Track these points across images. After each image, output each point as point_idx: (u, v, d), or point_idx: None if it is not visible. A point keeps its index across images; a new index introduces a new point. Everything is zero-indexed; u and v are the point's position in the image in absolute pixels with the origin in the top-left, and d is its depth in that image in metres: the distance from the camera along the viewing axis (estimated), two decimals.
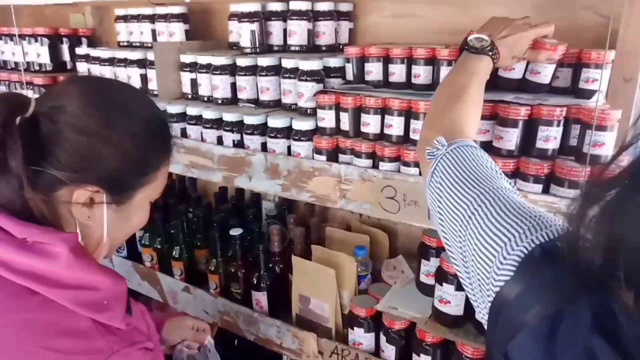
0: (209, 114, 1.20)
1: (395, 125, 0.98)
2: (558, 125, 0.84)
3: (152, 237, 1.48)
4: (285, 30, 1.24)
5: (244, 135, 1.15)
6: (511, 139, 0.86)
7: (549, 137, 0.84)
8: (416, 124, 0.95)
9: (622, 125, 0.81)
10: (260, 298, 1.29)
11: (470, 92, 0.76)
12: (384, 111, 0.99)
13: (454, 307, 1.00)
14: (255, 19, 1.23)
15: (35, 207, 0.62)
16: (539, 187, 0.84)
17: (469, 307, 1.00)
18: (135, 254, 1.57)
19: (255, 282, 1.28)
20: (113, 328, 0.66)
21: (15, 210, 0.62)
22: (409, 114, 0.97)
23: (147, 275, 1.51)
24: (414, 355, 1.06)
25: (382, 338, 1.10)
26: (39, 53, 1.69)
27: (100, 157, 0.66)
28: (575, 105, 0.85)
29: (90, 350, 0.62)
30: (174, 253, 1.44)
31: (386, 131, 1.00)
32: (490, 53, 0.82)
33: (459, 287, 0.98)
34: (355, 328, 1.12)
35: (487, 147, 0.91)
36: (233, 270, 1.33)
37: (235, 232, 1.30)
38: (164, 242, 1.47)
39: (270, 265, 1.30)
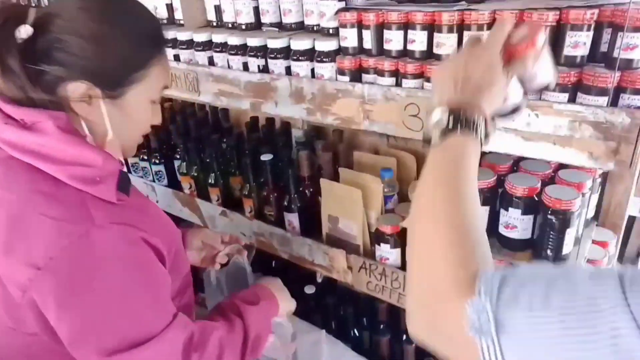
0: (233, 40, 1.21)
1: (418, 40, 0.96)
2: (588, 30, 0.80)
3: (189, 166, 1.56)
4: None
5: (269, 60, 1.16)
6: None
7: (578, 43, 0.81)
8: (439, 38, 0.93)
9: None
10: (292, 219, 1.35)
11: (467, 209, 0.53)
12: (406, 26, 0.97)
13: None
14: None
15: (41, 104, 0.71)
16: (565, 97, 0.82)
17: (492, 221, 1.02)
18: (175, 183, 1.67)
19: (286, 205, 1.34)
20: (107, 205, 0.74)
21: (23, 103, 0.72)
22: (432, 28, 0.94)
23: (186, 202, 1.61)
24: None
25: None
26: None
27: (87, 53, 0.72)
28: (609, 6, 0.80)
29: (79, 219, 0.71)
30: (210, 180, 1.51)
31: (409, 47, 0.98)
32: (464, 132, 0.57)
33: (483, 203, 1.00)
34: (381, 244, 1.17)
35: None
36: (266, 194, 1.39)
37: (266, 157, 1.34)
38: (200, 171, 1.55)
39: (301, 189, 1.36)
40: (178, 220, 1.68)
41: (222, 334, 0.88)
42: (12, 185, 0.72)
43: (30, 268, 0.68)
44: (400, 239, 1.16)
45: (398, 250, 1.17)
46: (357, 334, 1.46)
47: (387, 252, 1.17)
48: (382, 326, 1.37)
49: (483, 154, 1.09)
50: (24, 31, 0.70)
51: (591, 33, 0.81)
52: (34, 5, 1.67)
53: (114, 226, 0.73)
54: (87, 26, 0.73)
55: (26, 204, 0.71)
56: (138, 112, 0.81)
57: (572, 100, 0.82)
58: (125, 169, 0.86)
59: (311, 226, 1.36)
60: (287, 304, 1.07)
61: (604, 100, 0.78)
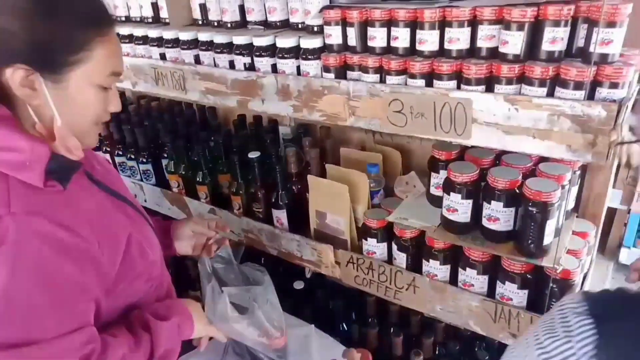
0: (219, 38, 1.21)
1: (401, 37, 0.98)
2: (565, 26, 0.82)
3: (177, 164, 1.57)
4: None
5: (255, 58, 1.17)
6: (517, 42, 0.85)
7: (556, 39, 0.83)
8: (422, 35, 0.95)
9: (632, 20, 0.79)
10: (280, 216, 1.36)
11: None
12: (390, 23, 0.99)
13: (461, 215, 1.04)
14: None
15: None
16: (543, 91, 0.84)
17: (475, 214, 1.04)
18: (163, 182, 1.67)
19: (274, 201, 1.35)
20: (32, 193, 0.72)
21: None
22: (414, 25, 0.96)
23: (175, 200, 1.61)
24: (423, 261, 1.12)
25: (394, 247, 1.17)
26: None
27: (22, 34, 0.70)
28: (585, 2, 0.82)
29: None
30: (198, 178, 1.52)
31: (393, 44, 0.99)
32: None
33: (466, 196, 1.02)
34: (368, 239, 1.19)
35: (494, 53, 0.90)
36: (253, 191, 1.40)
37: (254, 154, 1.35)
38: (188, 169, 1.55)
39: (288, 185, 1.37)
40: (166, 219, 1.68)
41: (125, 352, 0.82)
42: None
43: None
44: (386, 233, 1.18)
45: (385, 244, 1.19)
46: (346, 328, 1.48)
47: (374, 246, 1.19)
48: (370, 319, 1.39)
49: (466, 148, 1.13)
50: None
51: (568, 28, 0.83)
52: None
53: (30, 217, 0.71)
54: (20, 7, 0.70)
55: None
56: (83, 96, 0.77)
57: (550, 94, 0.84)
58: (80, 161, 0.81)
59: (299, 222, 1.37)
60: (203, 327, 0.99)
61: (581, 94, 0.80)
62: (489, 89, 0.90)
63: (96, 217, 0.81)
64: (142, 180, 1.71)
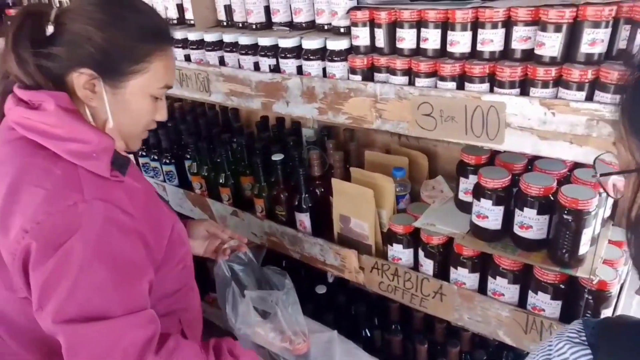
0: (244, 39, 1.21)
1: (431, 39, 0.95)
2: (606, 27, 0.79)
3: (199, 165, 1.57)
4: None
5: (280, 60, 1.15)
6: (554, 44, 0.82)
7: (596, 41, 0.79)
8: (453, 36, 0.92)
9: None
10: (303, 219, 1.35)
11: None
12: (419, 24, 0.96)
13: (492, 222, 1.01)
14: None
15: (47, 87, 0.78)
16: (582, 95, 0.80)
17: (506, 221, 1.01)
18: (185, 183, 1.67)
19: (297, 204, 1.34)
20: (99, 182, 0.78)
21: (32, 89, 0.79)
22: (445, 26, 0.93)
23: (197, 202, 1.61)
24: (451, 268, 1.09)
25: (421, 253, 1.14)
26: None
27: (92, 42, 0.78)
28: (627, 2, 0.78)
29: (70, 190, 0.75)
30: (220, 180, 1.52)
31: (422, 45, 0.97)
32: None
33: (497, 202, 0.99)
34: (394, 244, 1.17)
35: (529, 55, 0.87)
36: (276, 194, 1.39)
37: (277, 157, 1.34)
38: (211, 170, 1.55)
39: (312, 189, 1.35)
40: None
41: (189, 355, 0.85)
42: (14, 160, 0.78)
43: (20, 232, 0.72)
44: (413, 239, 1.15)
45: (411, 251, 1.16)
46: (368, 334, 1.45)
47: (400, 252, 1.16)
48: (394, 326, 1.36)
49: (496, 152, 1.09)
50: (50, 29, 0.78)
51: (609, 30, 0.79)
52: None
53: (100, 202, 0.76)
54: (93, 17, 0.79)
55: (23, 176, 0.76)
56: (137, 104, 0.84)
57: (589, 98, 0.81)
58: (127, 154, 0.90)
59: (322, 226, 1.35)
60: None
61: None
62: (524, 93, 0.86)
63: (148, 206, 0.87)
64: (165, 181, 1.72)
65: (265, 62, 1.18)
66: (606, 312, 0.95)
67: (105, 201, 0.76)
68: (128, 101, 0.83)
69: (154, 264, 0.85)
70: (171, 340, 0.82)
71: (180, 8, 1.42)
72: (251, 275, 1.29)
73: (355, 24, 1.03)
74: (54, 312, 0.74)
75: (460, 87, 0.92)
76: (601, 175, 0.55)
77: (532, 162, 1.05)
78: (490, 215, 1.00)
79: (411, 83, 0.98)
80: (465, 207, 1.11)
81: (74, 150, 0.78)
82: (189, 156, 1.63)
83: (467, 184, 1.10)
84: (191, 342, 0.90)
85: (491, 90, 0.89)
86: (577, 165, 1.04)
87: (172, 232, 0.91)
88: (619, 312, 1.01)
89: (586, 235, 0.91)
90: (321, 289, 1.50)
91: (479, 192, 1.01)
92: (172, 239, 0.91)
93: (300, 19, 1.18)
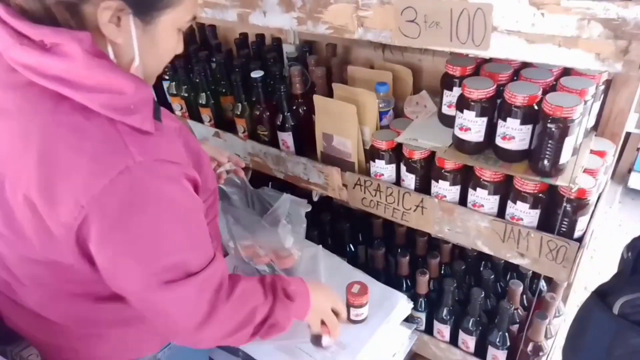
0: None
1: None
2: None
3: (178, 86, 1.51)
4: None
5: None
6: None
7: None
8: None
9: None
10: (286, 138, 1.33)
11: None
12: None
13: (474, 134, 1.00)
14: None
15: (62, 18, 0.63)
16: None
17: (489, 133, 1.00)
18: (165, 105, 1.61)
19: (280, 124, 1.31)
20: (143, 138, 0.68)
21: (40, 20, 0.63)
22: None
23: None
24: (432, 182, 1.10)
25: (403, 168, 1.14)
26: None
27: None
28: None
29: (116, 153, 0.65)
30: (200, 100, 1.47)
31: None
32: None
33: (481, 113, 0.97)
34: (376, 160, 1.16)
35: None
36: (258, 113, 1.35)
37: (256, 74, 1.29)
38: (190, 91, 1.50)
39: (294, 107, 1.32)
40: None
41: (253, 296, 0.87)
42: (36, 115, 0.65)
43: (73, 206, 0.64)
44: (395, 154, 1.14)
45: (393, 166, 1.16)
46: (353, 249, 1.50)
47: (382, 168, 1.16)
48: (377, 241, 1.40)
49: (482, 63, 1.06)
50: None
51: None
52: None
53: (155, 163, 0.68)
54: None
55: (55, 138, 0.64)
56: (165, 39, 0.74)
57: None
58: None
59: (305, 145, 1.34)
60: (316, 314, 0.99)
61: None
62: None
63: (187, 144, 0.82)
64: None
65: None
66: (582, 220, 0.98)
67: (156, 159, 0.68)
68: (157, 37, 0.72)
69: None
70: (239, 284, 0.84)
71: None
72: (243, 199, 1.29)
73: None
74: (135, 282, 0.73)
75: None
76: None
77: (518, 72, 1.02)
78: (473, 127, 0.99)
79: None
80: (449, 121, 1.09)
81: (109, 102, 0.65)
82: (167, 77, 1.56)
83: (451, 96, 1.07)
84: (250, 279, 0.89)
85: None
86: (564, 73, 1.01)
87: (207, 167, 0.90)
88: (594, 222, 1.03)
89: (568, 144, 0.90)
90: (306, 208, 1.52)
91: (462, 103, 0.98)
92: (207, 172, 0.89)
93: None
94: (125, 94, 0.67)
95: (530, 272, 1.28)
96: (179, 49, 0.80)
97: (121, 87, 0.66)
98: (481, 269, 1.35)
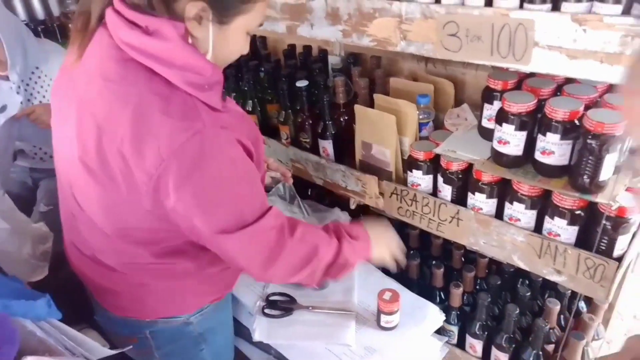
0: None
1: None
2: None
3: (227, 92, 1.58)
4: None
5: None
6: None
7: None
8: None
9: None
10: (327, 146, 1.37)
11: None
12: None
13: (513, 147, 1.00)
14: None
15: (159, 9, 0.78)
16: (618, 9, 0.76)
17: (528, 147, 1.00)
18: None
19: (321, 131, 1.36)
20: (211, 111, 0.82)
21: (144, 12, 0.79)
22: None
23: None
24: (469, 194, 1.10)
25: (440, 179, 1.15)
26: None
27: None
28: None
29: (193, 120, 0.79)
30: (247, 107, 1.54)
31: None
32: None
33: (520, 127, 0.97)
34: (414, 170, 1.18)
35: None
36: (301, 121, 1.41)
37: (301, 83, 1.34)
38: (237, 98, 1.57)
39: (336, 116, 1.36)
40: None
41: (317, 236, 0.99)
42: (134, 84, 0.80)
43: (156, 158, 0.77)
44: (432, 165, 1.16)
45: (430, 177, 1.17)
46: None
47: (419, 178, 1.18)
48: (412, 251, 1.41)
49: (525, 78, 1.06)
50: None
51: None
52: None
53: (219, 129, 0.81)
54: None
55: (148, 103, 0.79)
56: (236, 40, 0.87)
57: (626, 12, 0.76)
58: None
59: (345, 153, 1.37)
60: (380, 249, 1.08)
61: None
62: (556, 8, 0.82)
63: (247, 124, 0.96)
64: None
65: None
66: (623, 239, 0.95)
67: (224, 128, 0.82)
68: (230, 36, 0.85)
69: None
70: (300, 225, 0.97)
71: None
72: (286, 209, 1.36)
73: None
74: (208, 225, 0.85)
75: (489, 4, 0.88)
76: None
77: (561, 88, 1.02)
78: (512, 140, 0.99)
79: (437, 1, 0.95)
80: (488, 135, 1.10)
81: (191, 80, 0.80)
82: None
83: (491, 110, 1.08)
84: (313, 225, 1.02)
85: (521, 7, 0.85)
86: (609, 90, 1.00)
87: (260, 145, 1.00)
88: (636, 242, 1.01)
89: (609, 161, 0.89)
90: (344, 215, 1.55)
91: (501, 116, 0.99)
92: (259, 150, 1.00)
93: None
94: (203, 75, 0.81)
95: (569, 291, 1.25)
96: (245, 49, 0.92)
97: (202, 69, 0.81)
98: (518, 285, 1.33)
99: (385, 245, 1.10)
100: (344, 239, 1.01)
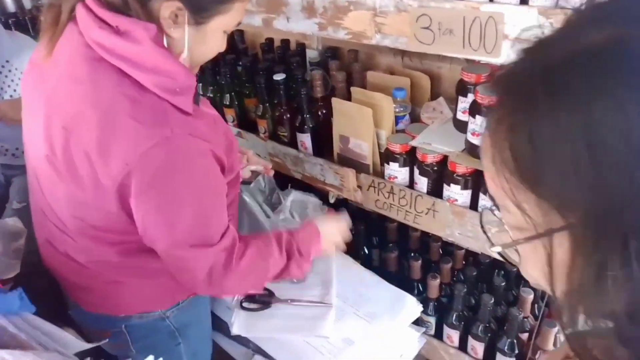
0: None
1: None
2: None
3: (204, 86, 1.58)
4: None
5: None
6: None
7: None
8: None
9: None
10: (305, 140, 1.37)
11: None
12: None
13: None
14: None
15: (135, 14, 0.77)
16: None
17: None
18: None
19: (299, 125, 1.36)
20: (183, 116, 0.80)
21: (117, 10, 0.77)
22: None
23: None
24: (444, 185, 1.12)
25: (416, 172, 1.16)
26: None
27: None
28: None
29: (161, 125, 0.77)
30: (225, 101, 1.53)
31: None
32: None
33: None
34: (390, 163, 1.19)
35: None
36: (279, 115, 1.40)
37: (279, 77, 1.34)
38: (215, 92, 1.56)
39: (313, 110, 1.36)
40: None
41: (262, 251, 0.97)
42: (101, 86, 0.78)
43: (121, 164, 0.76)
44: (409, 158, 1.17)
45: (407, 169, 1.19)
46: (366, 252, 1.52)
47: (396, 171, 1.19)
48: (390, 244, 1.42)
49: (499, 68, 1.08)
50: None
51: None
52: None
53: (189, 137, 0.79)
54: None
55: (115, 106, 0.77)
56: (213, 39, 0.86)
57: None
58: None
59: (323, 147, 1.38)
60: (328, 245, 1.11)
61: None
62: (524, 2, 0.83)
63: (221, 131, 0.94)
64: None
65: None
66: None
67: (193, 135, 0.80)
68: (207, 36, 0.84)
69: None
70: (250, 247, 0.94)
71: None
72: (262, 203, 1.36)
73: None
74: (163, 240, 0.84)
75: None
76: (503, 246, 0.44)
77: None
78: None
79: None
80: (463, 127, 1.11)
81: (162, 84, 0.78)
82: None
83: (465, 102, 1.10)
84: (266, 238, 1.00)
85: (491, 0, 0.86)
86: None
87: (235, 152, 0.99)
88: None
89: None
90: (324, 209, 1.55)
91: (475, 109, 1.01)
92: (234, 158, 0.99)
93: None
94: (175, 78, 0.79)
95: None
96: (222, 47, 0.91)
97: (173, 73, 0.79)
98: (494, 276, 1.35)
99: (332, 241, 1.12)
100: (293, 258, 1.01)
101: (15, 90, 1.53)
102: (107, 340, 1.00)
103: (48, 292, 1.09)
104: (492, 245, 0.45)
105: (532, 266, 0.42)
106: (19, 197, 1.55)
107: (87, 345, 0.93)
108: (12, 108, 1.38)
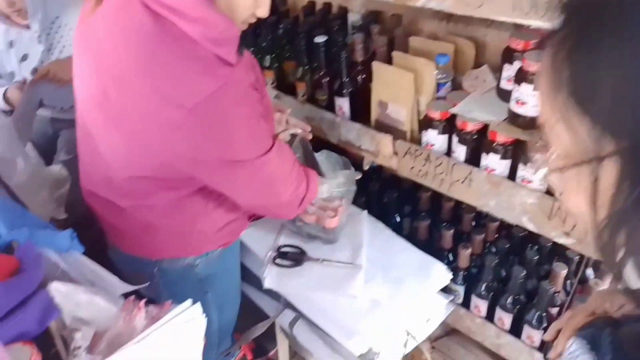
0: None
1: None
2: None
3: (243, 48, 1.58)
4: None
5: None
6: None
7: None
8: None
9: None
10: (343, 104, 1.37)
11: None
12: None
13: (531, 109, 0.99)
14: None
15: None
16: None
17: None
18: None
19: (337, 89, 1.35)
20: (226, 67, 0.84)
21: None
22: None
23: None
24: (483, 154, 1.10)
25: (454, 139, 1.15)
26: None
27: None
28: None
29: (211, 74, 0.81)
30: (265, 63, 1.54)
31: None
32: None
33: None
34: (429, 130, 1.18)
35: None
36: (317, 78, 1.40)
37: (320, 39, 1.33)
38: (256, 53, 1.57)
39: (353, 74, 1.35)
40: None
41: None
42: (153, 35, 0.81)
43: (180, 109, 0.80)
44: (448, 125, 1.15)
45: (445, 137, 1.17)
46: (398, 220, 1.53)
47: (434, 138, 1.18)
48: (423, 213, 1.42)
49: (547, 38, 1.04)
50: None
51: None
52: None
53: (236, 82, 0.84)
54: None
55: (172, 54, 0.81)
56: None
57: None
58: None
59: (361, 112, 1.37)
60: None
61: None
62: None
63: (259, 78, 1.01)
64: None
65: None
66: None
67: (242, 80, 0.86)
68: None
69: None
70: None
71: None
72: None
73: None
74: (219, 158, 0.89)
75: None
76: (550, 169, 0.45)
77: None
78: (530, 100, 0.98)
79: None
80: (506, 96, 1.08)
81: (206, 34, 0.81)
82: None
83: (511, 70, 1.06)
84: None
85: None
86: None
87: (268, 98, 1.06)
88: None
89: None
90: (357, 175, 1.56)
91: (521, 76, 0.98)
92: (272, 124, 1.06)
93: None
94: (218, 29, 0.82)
95: (577, 257, 1.26)
96: (261, 12, 0.93)
97: (216, 23, 0.81)
98: (526, 250, 1.34)
99: None
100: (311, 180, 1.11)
101: (64, 47, 1.58)
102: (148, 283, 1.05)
103: (92, 245, 1.15)
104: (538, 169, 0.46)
105: (575, 193, 0.43)
106: (66, 149, 1.62)
107: (130, 287, 0.98)
108: (61, 68, 1.43)
